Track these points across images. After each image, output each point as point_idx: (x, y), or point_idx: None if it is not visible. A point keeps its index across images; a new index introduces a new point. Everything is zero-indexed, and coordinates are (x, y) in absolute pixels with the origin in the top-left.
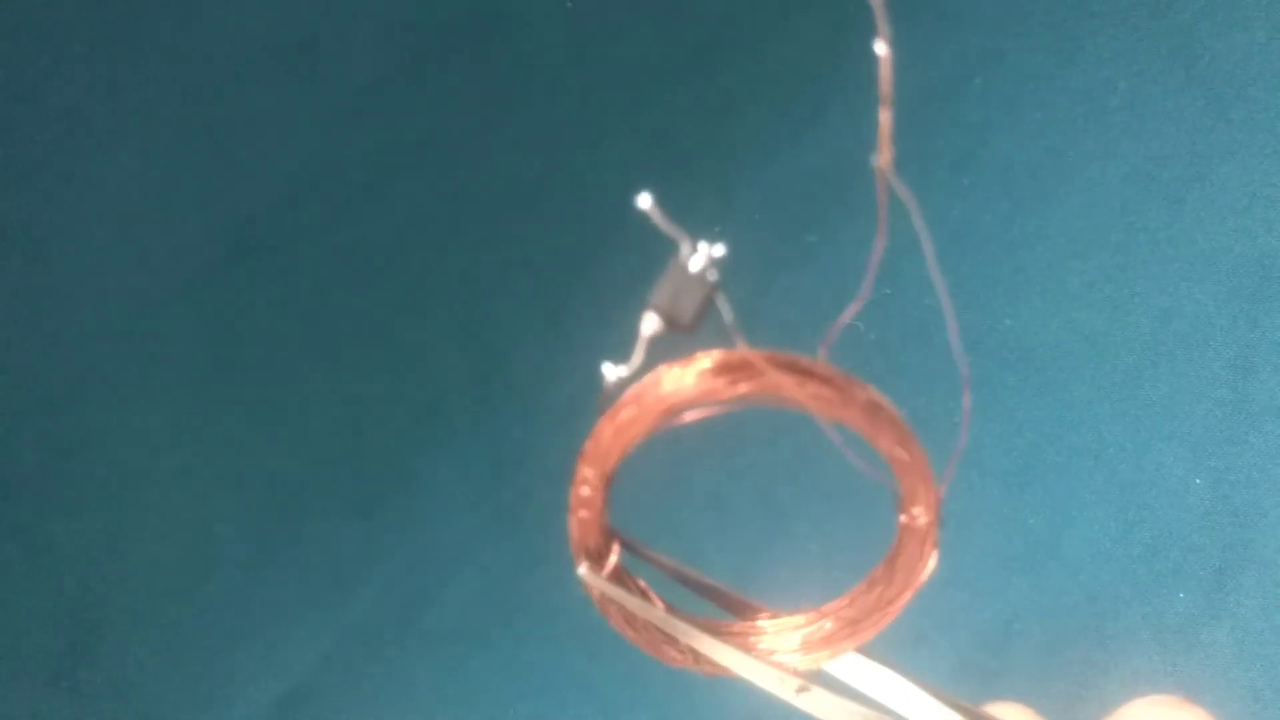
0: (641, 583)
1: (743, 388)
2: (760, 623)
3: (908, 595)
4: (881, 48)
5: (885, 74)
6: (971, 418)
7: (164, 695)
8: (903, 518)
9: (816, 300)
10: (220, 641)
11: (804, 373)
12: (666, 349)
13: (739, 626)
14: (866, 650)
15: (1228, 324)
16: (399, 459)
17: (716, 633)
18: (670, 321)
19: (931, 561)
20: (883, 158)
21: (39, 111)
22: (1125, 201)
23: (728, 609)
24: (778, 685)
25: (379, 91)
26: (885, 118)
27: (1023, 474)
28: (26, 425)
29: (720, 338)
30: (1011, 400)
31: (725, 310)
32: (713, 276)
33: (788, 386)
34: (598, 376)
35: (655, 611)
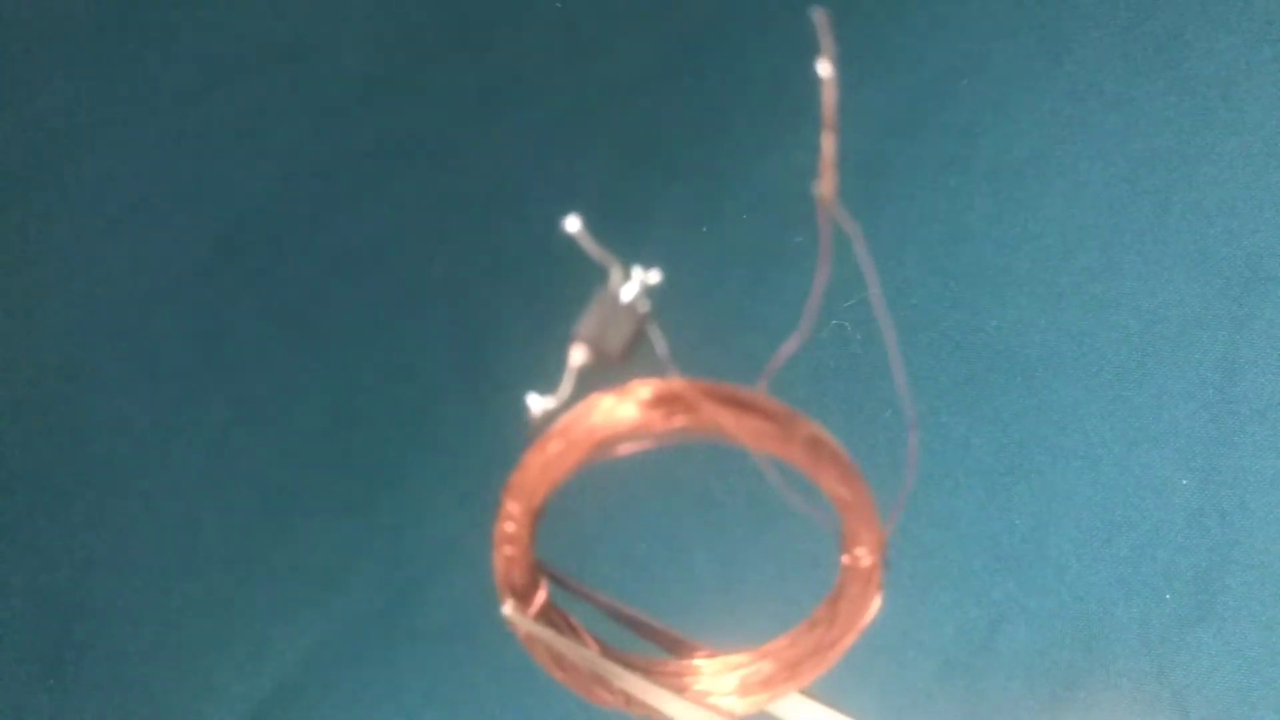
0: (573, 620)
1: (678, 421)
2: (697, 662)
3: (850, 638)
4: (826, 69)
5: (829, 98)
6: (957, 417)
7: (150, 692)
8: (845, 558)
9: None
10: (207, 639)
11: (742, 406)
12: (601, 378)
13: (675, 666)
14: (809, 692)
15: (1214, 324)
16: (386, 457)
17: (650, 673)
18: (599, 353)
19: (875, 604)
20: (825, 186)
21: (29, 114)
22: (1112, 203)
23: (665, 647)
24: None
25: (368, 93)
26: (829, 144)
27: (1009, 474)
28: (13, 425)
29: (662, 367)
30: (998, 400)
31: (657, 342)
32: (644, 307)
33: (724, 420)
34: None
35: (584, 652)
